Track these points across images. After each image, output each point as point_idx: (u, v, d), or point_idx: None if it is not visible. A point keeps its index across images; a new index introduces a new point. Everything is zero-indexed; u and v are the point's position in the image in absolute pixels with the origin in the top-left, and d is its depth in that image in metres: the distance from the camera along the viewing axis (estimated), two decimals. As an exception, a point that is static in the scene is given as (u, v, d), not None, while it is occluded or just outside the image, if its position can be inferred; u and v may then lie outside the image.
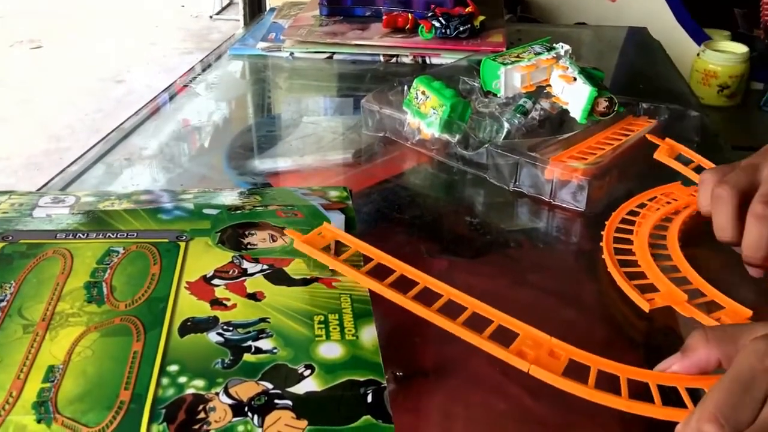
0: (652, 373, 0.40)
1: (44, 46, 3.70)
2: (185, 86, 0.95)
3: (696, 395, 0.38)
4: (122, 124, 0.82)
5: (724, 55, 1.63)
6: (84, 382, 0.36)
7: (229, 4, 4.24)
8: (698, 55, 1.66)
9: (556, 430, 0.41)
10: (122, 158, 0.74)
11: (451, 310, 0.43)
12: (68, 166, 0.70)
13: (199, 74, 0.99)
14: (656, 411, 0.37)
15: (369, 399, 0.36)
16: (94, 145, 0.76)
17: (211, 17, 4.17)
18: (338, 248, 0.49)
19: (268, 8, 1.36)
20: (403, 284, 0.46)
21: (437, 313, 0.43)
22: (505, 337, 0.42)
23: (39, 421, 0.33)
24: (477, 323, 0.42)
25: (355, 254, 0.48)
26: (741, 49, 1.65)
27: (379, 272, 0.47)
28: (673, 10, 1.66)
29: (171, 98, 0.92)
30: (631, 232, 0.57)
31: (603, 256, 0.54)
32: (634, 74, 1.05)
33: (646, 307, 0.49)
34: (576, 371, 0.39)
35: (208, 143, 0.80)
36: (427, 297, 0.45)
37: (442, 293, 0.45)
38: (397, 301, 0.44)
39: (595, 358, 0.41)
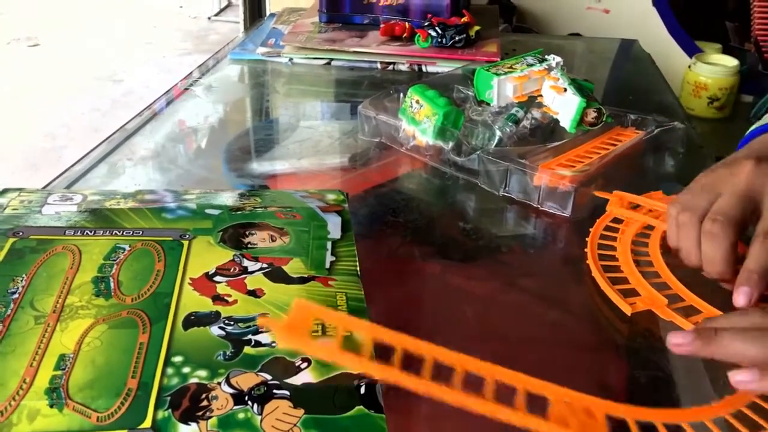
0: (685, 412, 0.41)
1: (42, 44, 3.71)
2: (186, 89, 0.97)
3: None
4: (125, 125, 0.84)
5: (715, 68, 1.66)
6: (93, 371, 0.38)
7: (227, 6, 4.26)
8: (689, 67, 1.69)
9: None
10: (125, 158, 0.76)
11: (469, 381, 0.38)
12: (72, 165, 0.72)
13: (199, 77, 1.01)
14: None
15: (362, 391, 0.38)
16: (97, 146, 0.78)
17: (209, 18, 4.19)
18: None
19: (268, 14, 1.38)
20: (409, 359, 0.38)
21: (465, 394, 0.37)
22: (534, 400, 0.38)
23: (51, 406, 0.36)
24: (502, 391, 0.37)
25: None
26: (731, 62, 1.68)
27: (378, 348, 0.40)
28: (666, 22, 1.69)
29: (171, 101, 0.94)
30: (615, 238, 0.59)
31: (587, 262, 0.57)
32: (624, 86, 1.08)
33: (628, 310, 0.51)
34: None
35: (207, 145, 0.82)
36: (439, 371, 0.38)
37: (455, 366, 0.38)
38: (415, 386, 0.37)
39: (631, 408, 0.39)
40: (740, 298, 0.46)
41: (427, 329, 0.52)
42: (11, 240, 0.47)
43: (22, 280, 0.44)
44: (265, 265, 0.48)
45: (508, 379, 0.38)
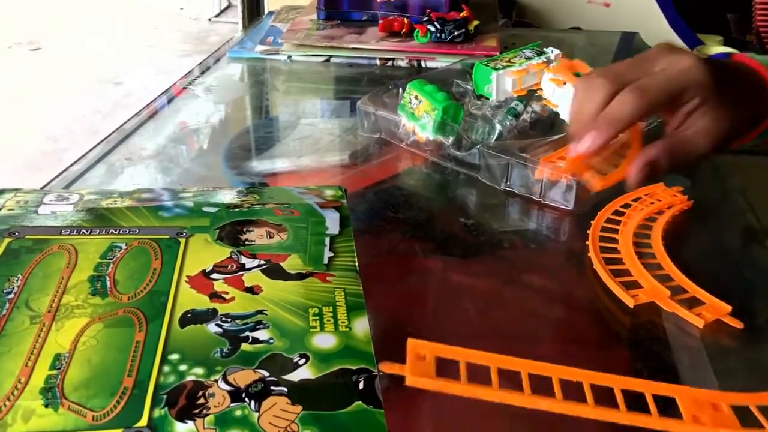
0: None
1: (43, 48, 3.72)
2: (185, 88, 0.96)
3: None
4: (123, 124, 0.84)
5: (717, 60, 1.65)
6: (89, 370, 0.37)
7: (227, 7, 4.26)
8: (691, 59, 1.68)
9: (543, 424, 0.42)
10: (123, 158, 0.76)
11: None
12: (70, 166, 0.72)
13: (198, 76, 1.01)
14: None
15: (361, 386, 0.37)
16: (95, 146, 0.78)
17: (209, 20, 4.19)
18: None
19: (266, 12, 1.38)
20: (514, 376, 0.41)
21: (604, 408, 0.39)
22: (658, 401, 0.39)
23: (46, 406, 0.35)
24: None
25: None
26: (733, 54, 1.67)
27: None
28: (666, 15, 1.68)
29: (171, 100, 0.93)
30: (616, 231, 0.59)
31: (589, 254, 0.56)
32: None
33: (630, 302, 0.51)
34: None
35: (207, 144, 0.82)
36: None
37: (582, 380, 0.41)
38: (550, 407, 0.39)
39: (752, 396, 0.40)
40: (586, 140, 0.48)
41: (428, 326, 0.51)
42: (7, 240, 0.47)
43: (17, 280, 0.44)
44: (262, 262, 0.48)
45: (632, 386, 0.40)
